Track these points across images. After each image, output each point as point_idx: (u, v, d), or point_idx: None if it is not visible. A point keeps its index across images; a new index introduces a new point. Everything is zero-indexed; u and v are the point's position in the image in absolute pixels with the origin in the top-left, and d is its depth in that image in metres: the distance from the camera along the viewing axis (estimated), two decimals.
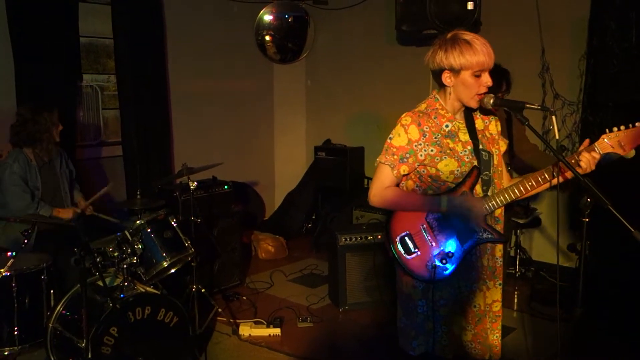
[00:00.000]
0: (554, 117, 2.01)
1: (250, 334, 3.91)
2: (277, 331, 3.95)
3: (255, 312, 4.33)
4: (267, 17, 6.50)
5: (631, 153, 2.09)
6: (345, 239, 4.34)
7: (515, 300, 4.62)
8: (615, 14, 4.20)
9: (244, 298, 4.59)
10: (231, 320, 4.08)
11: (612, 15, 4.22)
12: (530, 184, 2.15)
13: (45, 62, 4.62)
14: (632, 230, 1.77)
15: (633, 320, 3.78)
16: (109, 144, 5.51)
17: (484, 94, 2.13)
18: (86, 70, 5.37)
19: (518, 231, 5.07)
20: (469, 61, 2.05)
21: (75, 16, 4.85)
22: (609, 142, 2.07)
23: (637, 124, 2.05)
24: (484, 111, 2.31)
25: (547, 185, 2.20)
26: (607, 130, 2.08)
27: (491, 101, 2.12)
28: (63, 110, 4.64)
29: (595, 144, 2.09)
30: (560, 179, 2.12)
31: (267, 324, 4.03)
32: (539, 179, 2.14)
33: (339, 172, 6.23)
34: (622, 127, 2.06)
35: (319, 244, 5.90)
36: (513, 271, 5.08)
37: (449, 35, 2.13)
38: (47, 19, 4.59)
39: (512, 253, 5.15)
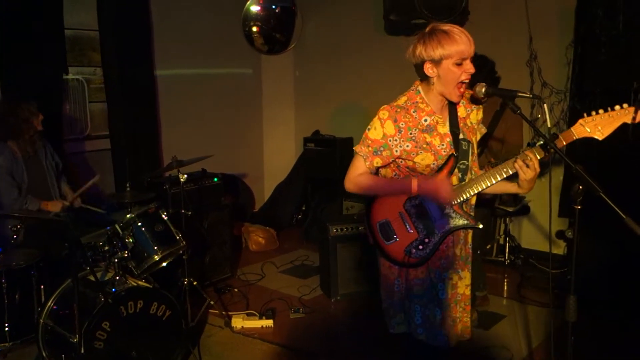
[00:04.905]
0: (545, 105, 2.02)
1: (243, 326, 3.91)
2: (269, 322, 3.96)
3: (247, 304, 4.34)
4: (254, 8, 6.44)
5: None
6: (336, 230, 4.35)
7: (505, 288, 4.66)
8: (603, 1, 4.20)
9: (236, 290, 4.58)
10: (223, 312, 4.08)
11: (600, 3, 4.22)
12: (505, 169, 2.17)
13: (30, 56, 4.53)
14: (624, 217, 1.79)
15: (622, 306, 3.84)
16: (95, 138, 5.45)
17: (472, 82, 2.15)
18: (71, 63, 5.28)
19: (507, 219, 5.11)
20: (448, 50, 2.08)
21: (60, 8, 4.77)
22: (586, 126, 2.06)
23: (616, 107, 2.04)
24: (471, 100, 2.33)
25: (515, 187, 2.26)
26: (584, 115, 2.07)
27: (483, 90, 2.12)
28: (49, 104, 4.60)
29: (572, 128, 2.08)
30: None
31: (260, 315, 4.03)
32: (514, 165, 2.15)
33: (329, 162, 6.22)
34: (600, 111, 2.05)
35: (309, 235, 5.91)
36: (502, 259, 5.12)
37: (427, 29, 2.16)
38: (31, 11, 4.51)
39: (501, 241, 5.19)
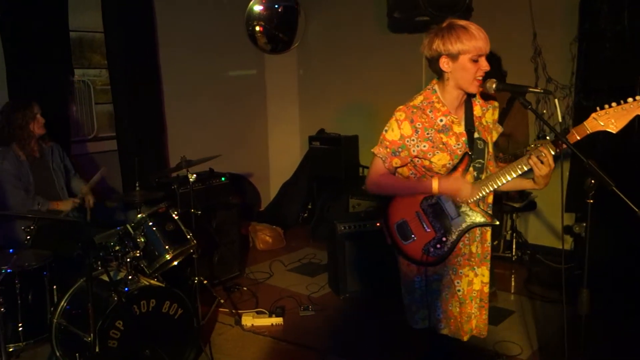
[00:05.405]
0: (556, 100, 2.02)
1: (253, 324, 3.93)
2: (279, 320, 3.98)
3: (256, 303, 4.36)
4: (257, 8, 6.46)
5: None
6: (344, 228, 4.37)
7: (513, 284, 4.68)
8: None
9: (245, 289, 4.61)
10: (233, 311, 4.10)
11: None
12: (519, 166, 2.17)
13: (35, 58, 4.56)
14: (637, 210, 1.81)
15: (630, 302, 3.85)
16: (102, 139, 5.47)
17: (483, 79, 2.16)
18: (75, 65, 5.28)
19: (514, 215, 5.12)
20: (467, 46, 2.08)
21: (65, 10, 4.79)
22: (599, 120, 2.05)
23: (629, 99, 2.03)
24: (484, 97, 2.33)
25: (530, 184, 2.26)
26: (597, 109, 2.06)
27: (494, 86, 2.13)
28: (55, 106, 4.63)
29: (585, 122, 2.07)
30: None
31: (269, 313, 4.06)
32: (528, 161, 2.15)
33: (334, 161, 6.23)
34: (613, 104, 2.04)
35: (316, 233, 5.92)
36: (509, 255, 5.13)
37: (445, 23, 2.15)
38: (36, 13, 4.54)
39: (508, 237, 5.20)
